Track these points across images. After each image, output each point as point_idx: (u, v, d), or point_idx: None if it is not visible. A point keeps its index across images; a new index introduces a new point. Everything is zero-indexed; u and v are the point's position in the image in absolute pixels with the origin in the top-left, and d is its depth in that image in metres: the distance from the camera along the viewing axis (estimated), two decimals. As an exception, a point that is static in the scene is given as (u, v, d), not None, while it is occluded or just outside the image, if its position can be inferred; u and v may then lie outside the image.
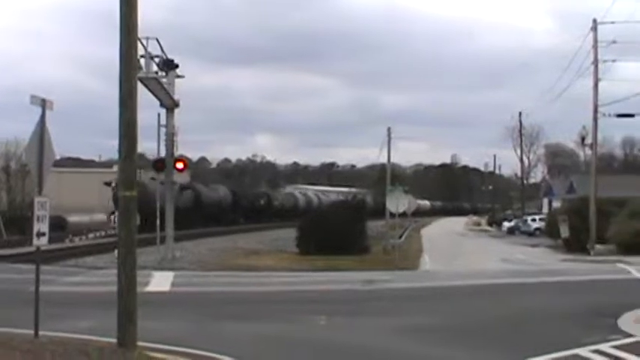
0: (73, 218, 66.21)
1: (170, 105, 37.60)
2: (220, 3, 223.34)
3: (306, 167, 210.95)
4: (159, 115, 37.66)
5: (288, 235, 52.08)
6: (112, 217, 55.66)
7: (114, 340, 13.23)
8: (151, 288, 26.30)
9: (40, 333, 13.56)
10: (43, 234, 13.34)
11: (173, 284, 28.66)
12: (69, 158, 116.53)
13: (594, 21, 47.13)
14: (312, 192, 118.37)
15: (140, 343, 13.27)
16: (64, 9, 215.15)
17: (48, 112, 13.65)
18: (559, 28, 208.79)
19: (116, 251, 13.62)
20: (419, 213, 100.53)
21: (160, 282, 28.53)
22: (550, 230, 59.56)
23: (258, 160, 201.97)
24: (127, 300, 13.06)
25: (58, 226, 57.09)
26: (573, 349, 14.60)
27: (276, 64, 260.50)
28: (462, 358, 14.49)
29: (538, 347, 14.78)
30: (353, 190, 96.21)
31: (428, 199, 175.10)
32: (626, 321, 18.31)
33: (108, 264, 32.73)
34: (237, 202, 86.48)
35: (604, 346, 14.90)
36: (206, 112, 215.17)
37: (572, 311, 21.01)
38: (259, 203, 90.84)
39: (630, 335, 16.39)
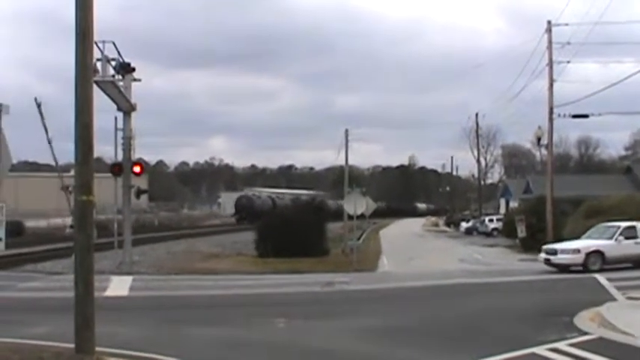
0: (30, 223, 65.65)
1: (127, 108, 37.34)
2: (169, 5, 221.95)
3: (264, 170, 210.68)
4: (116, 118, 37.40)
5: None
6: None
7: (72, 346, 13.13)
8: (109, 293, 26.15)
9: (-3, 339, 13.46)
10: (0, 239, 13.23)
11: (131, 288, 28.48)
12: (25, 162, 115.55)
13: (549, 22, 47.51)
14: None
15: (98, 349, 13.19)
16: (17, 13, 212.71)
17: (4, 117, 13.53)
18: (509, 27, 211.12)
19: (74, 256, 13.51)
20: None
21: (118, 286, 28.35)
22: (507, 230, 60.03)
23: (216, 163, 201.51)
24: (85, 305, 12.97)
25: (16, 231, 56.60)
26: (530, 347, 14.72)
27: (229, 67, 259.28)
28: (419, 358, 14.57)
29: (495, 346, 14.88)
30: (311, 192, 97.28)
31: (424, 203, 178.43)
32: (582, 319, 18.49)
33: (66, 269, 32.44)
34: None
35: (560, 345, 15.05)
36: (160, 115, 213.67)
37: (529, 310, 21.20)
38: None
39: (586, 333, 16.56)
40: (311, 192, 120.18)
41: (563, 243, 36.38)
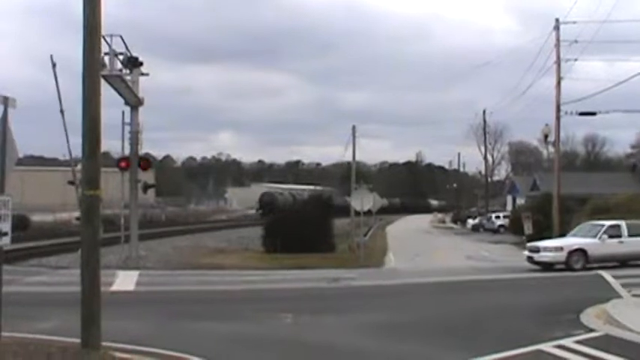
0: (36, 217, 65.69)
1: (135, 103, 37.32)
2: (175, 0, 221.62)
3: (271, 165, 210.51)
4: (123, 113, 37.36)
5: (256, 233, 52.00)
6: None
7: (78, 341, 13.13)
8: (115, 287, 26.19)
9: (3, 334, 13.42)
10: (5, 234, 13.17)
11: (138, 283, 28.53)
12: (32, 156, 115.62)
13: (557, 20, 47.44)
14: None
15: (105, 344, 13.19)
16: (26, 6, 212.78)
17: (10, 110, 13.48)
18: (518, 25, 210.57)
19: (80, 251, 13.50)
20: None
21: (124, 281, 28.41)
22: (514, 227, 59.98)
23: (224, 158, 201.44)
24: (91, 300, 12.96)
25: (21, 225, 56.68)
26: (536, 344, 14.71)
27: (236, 62, 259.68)
28: (424, 354, 14.56)
29: (501, 343, 14.86)
30: (318, 188, 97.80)
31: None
32: (587, 316, 18.49)
33: (72, 263, 32.47)
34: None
35: (567, 341, 15.03)
36: (168, 110, 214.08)
37: (535, 307, 21.20)
38: None
39: (592, 330, 16.56)
40: (323, 188, 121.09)
41: (546, 241, 36.26)
